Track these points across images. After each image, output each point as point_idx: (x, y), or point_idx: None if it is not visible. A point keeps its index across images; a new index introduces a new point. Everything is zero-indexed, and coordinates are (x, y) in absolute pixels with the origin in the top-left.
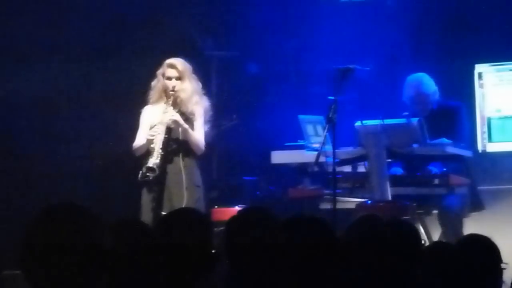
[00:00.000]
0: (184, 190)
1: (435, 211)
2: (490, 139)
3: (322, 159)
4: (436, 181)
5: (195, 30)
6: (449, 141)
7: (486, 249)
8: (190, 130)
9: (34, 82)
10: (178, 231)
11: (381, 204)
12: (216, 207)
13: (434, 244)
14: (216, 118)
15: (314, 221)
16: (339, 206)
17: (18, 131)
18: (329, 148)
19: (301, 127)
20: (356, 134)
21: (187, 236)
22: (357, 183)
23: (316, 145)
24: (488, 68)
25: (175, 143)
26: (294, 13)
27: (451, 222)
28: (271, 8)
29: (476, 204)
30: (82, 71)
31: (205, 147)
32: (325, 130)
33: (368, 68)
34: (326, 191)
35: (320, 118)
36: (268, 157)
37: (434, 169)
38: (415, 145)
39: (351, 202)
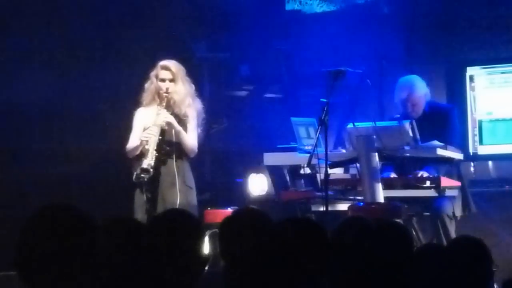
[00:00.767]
0: (178, 191)
1: (427, 213)
2: (481, 141)
3: (314, 161)
4: (427, 184)
5: (186, 32)
6: (441, 144)
7: (477, 251)
8: (183, 132)
9: (30, 84)
10: (168, 232)
11: (373, 206)
12: (208, 208)
13: (425, 246)
14: (207, 121)
15: (307, 222)
16: (331, 208)
17: (18, 131)
18: (321, 150)
19: (293, 129)
20: (347, 136)
21: (177, 237)
22: (349, 185)
23: (309, 147)
24: (479, 71)
25: (169, 145)
26: (286, 15)
27: (442, 224)
28: (264, 10)
29: (467, 206)
30: (80, 73)
31: (198, 149)
32: (317, 132)
33: (360, 71)
34: (318, 193)
35: (313, 120)
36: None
37: (425, 173)
38: (406, 147)
39: (343, 204)
